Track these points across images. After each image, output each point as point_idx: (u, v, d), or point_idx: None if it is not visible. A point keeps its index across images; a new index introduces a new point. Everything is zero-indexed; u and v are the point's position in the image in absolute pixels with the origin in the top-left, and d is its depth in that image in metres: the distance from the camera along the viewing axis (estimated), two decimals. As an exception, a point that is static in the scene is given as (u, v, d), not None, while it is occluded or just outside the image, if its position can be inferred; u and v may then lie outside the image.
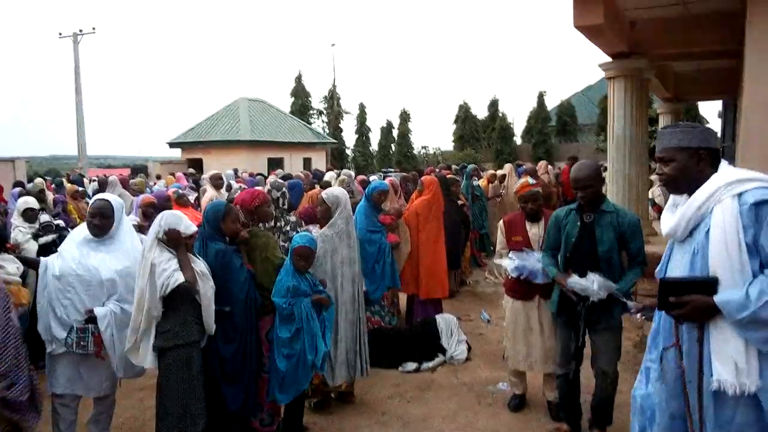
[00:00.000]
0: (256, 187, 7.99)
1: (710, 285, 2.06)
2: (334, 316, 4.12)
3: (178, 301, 3.34)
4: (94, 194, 9.12)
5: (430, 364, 5.34)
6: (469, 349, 5.59)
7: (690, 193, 2.21)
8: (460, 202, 7.43)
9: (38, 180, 11.37)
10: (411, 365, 5.29)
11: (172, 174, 15.34)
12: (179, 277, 3.28)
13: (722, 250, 2.05)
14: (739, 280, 2.03)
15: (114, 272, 3.46)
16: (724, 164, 2.24)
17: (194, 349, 3.42)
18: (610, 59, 9.22)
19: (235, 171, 14.28)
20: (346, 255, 4.31)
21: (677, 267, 2.26)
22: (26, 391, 3.18)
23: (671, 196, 2.40)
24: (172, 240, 3.38)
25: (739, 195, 2.07)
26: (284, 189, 5.40)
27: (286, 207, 5.32)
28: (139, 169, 23.86)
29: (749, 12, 5.62)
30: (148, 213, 5.77)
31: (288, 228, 5.16)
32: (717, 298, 2.04)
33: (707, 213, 2.13)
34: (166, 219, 3.44)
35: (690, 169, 2.22)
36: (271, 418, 4.04)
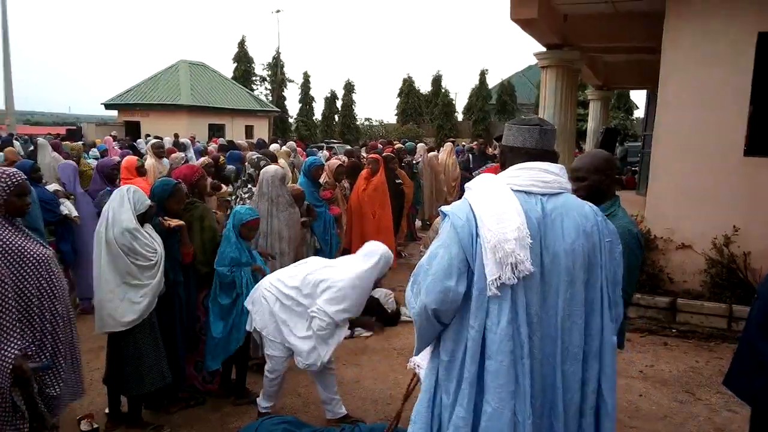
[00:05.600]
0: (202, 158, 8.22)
1: None
2: None
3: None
4: (29, 157, 9.00)
5: (363, 328, 5.75)
6: (398, 315, 6.03)
7: None
8: (398, 181, 7.93)
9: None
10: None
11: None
12: None
13: None
14: None
15: None
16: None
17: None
18: (544, 49, 9.78)
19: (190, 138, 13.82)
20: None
21: None
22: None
23: None
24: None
25: None
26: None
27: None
28: (73, 130, 23.10)
29: (668, 14, 6.14)
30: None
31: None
32: None
33: None
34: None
35: None
36: (212, 377, 4.34)
